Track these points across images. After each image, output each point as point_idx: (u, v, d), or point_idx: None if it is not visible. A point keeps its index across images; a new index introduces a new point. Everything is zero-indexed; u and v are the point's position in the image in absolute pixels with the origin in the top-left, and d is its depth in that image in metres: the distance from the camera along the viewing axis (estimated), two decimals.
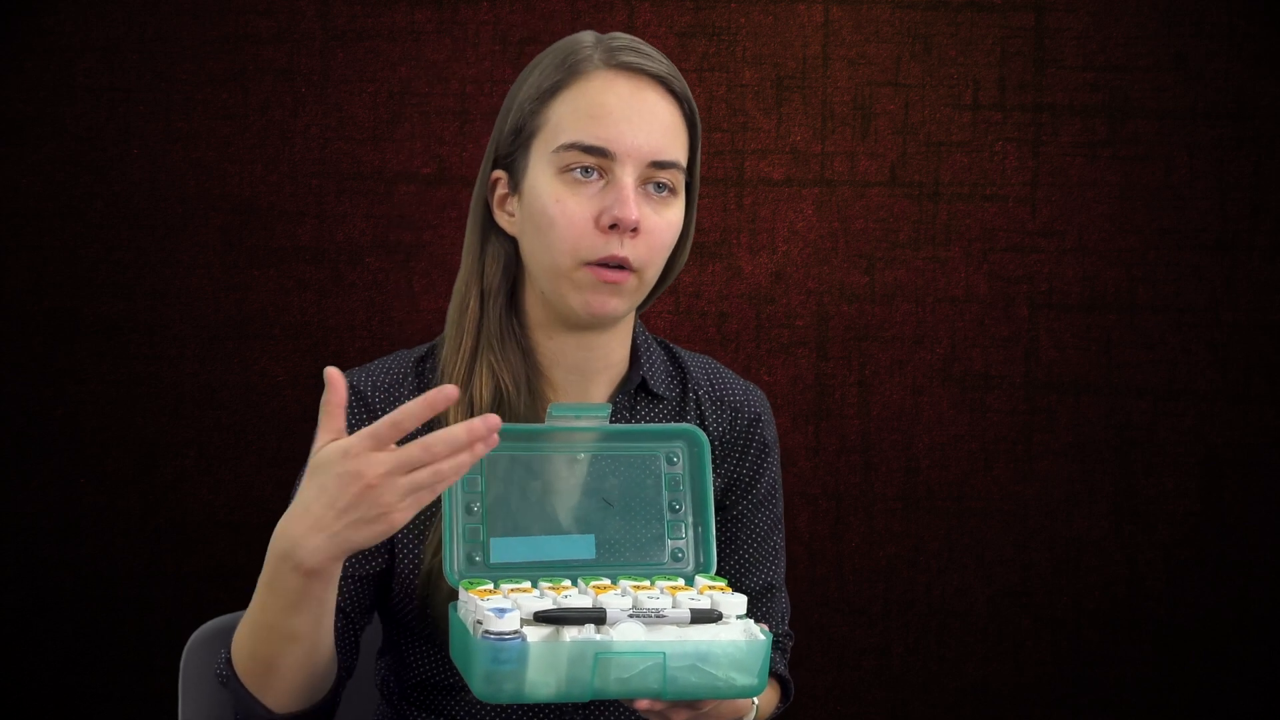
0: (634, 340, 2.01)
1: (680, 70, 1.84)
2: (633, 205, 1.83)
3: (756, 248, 3.00)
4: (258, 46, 2.95)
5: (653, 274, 1.90)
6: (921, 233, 3.00)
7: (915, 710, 3.06)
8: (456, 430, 1.55)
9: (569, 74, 1.87)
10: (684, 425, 1.83)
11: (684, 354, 2.07)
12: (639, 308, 1.99)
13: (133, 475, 2.98)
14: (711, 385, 2.06)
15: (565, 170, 1.85)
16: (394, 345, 2.94)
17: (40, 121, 2.94)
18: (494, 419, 1.56)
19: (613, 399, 1.98)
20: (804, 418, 3.02)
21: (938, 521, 3.03)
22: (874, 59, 2.99)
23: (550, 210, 1.85)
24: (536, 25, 2.95)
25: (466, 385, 1.91)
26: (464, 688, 1.93)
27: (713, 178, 2.99)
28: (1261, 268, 2.99)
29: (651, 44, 1.94)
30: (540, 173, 1.87)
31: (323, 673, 1.79)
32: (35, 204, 2.94)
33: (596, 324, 1.91)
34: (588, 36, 1.92)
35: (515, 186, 1.91)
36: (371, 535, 1.59)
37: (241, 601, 2.25)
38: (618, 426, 1.84)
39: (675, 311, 2.99)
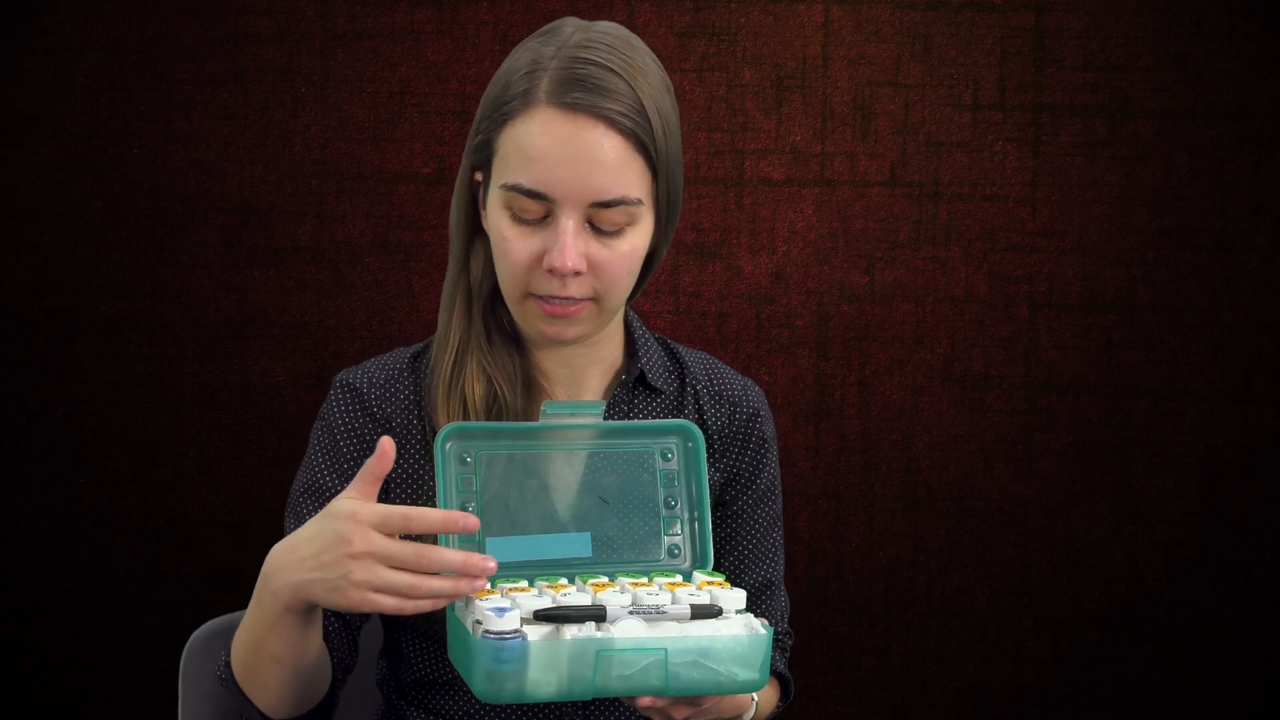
0: (631, 334, 2.01)
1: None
2: (569, 253, 1.79)
3: (756, 248, 3.00)
4: (258, 46, 2.95)
5: (615, 300, 1.87)
6: (921, 233, 3.01)
7: (915, 710, 3.06)
8: (454, 556, 1.56)
9: (520, 101, 1.82)
10: (679, 421, 1.82)
11: (681, 349, 2.07)
12: (628, 300, 1.98)
13: (133, 475, 2.98)
14: (710, 380, 2.05)
15: (510, 206, 1.83)
16: (394, 345, 2.93)
17: (40, 121, 2.94)
18: (494, 564, 1.57)
19: (610, 393, 1.98)
20: (804, 418, 3.02)
21: (938, 521, 3.03)
22: (874, 59, 3.00)
23: (500, 245, 1.84)
24: (536, 25, 2.92)
25: (457, 385, 1.91)
26: (461, 685, 1.93)
27: (713, 178, 2.99)
28: (1261, 268, 2.99)
29: (649, 43, 1.92)
30: (494, 201, 1.85)
31: (309, 687, 1.80)
32: (35, 204, 2.94)
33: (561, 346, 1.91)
34: (550, 45, 1.85)
35: (485, 198, 1.90)
36: (327, 600, 1.60)
37: (241, 601, 2.25)
38: (612, 424, 1.83)
39: (675, 311, 3.00)
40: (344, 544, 1.57)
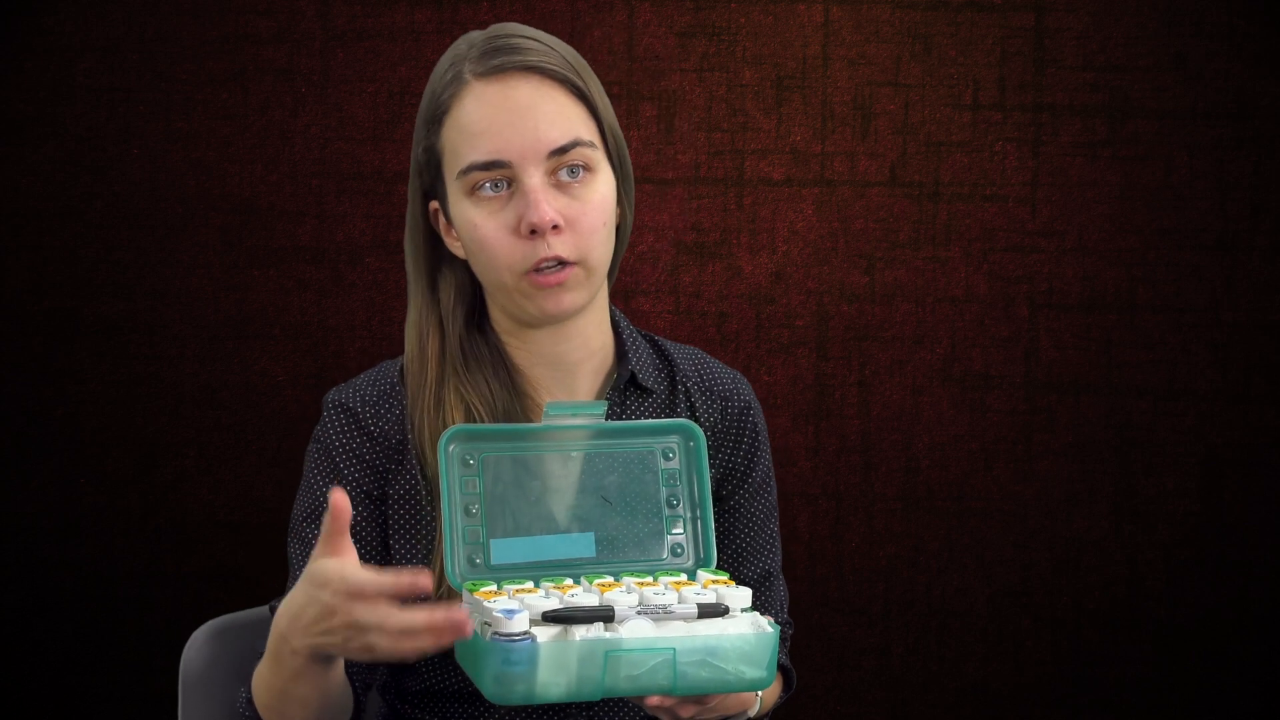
0: (620, 335, 2.02)
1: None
2: (543, 207, 1.82)
3: (756, 248, 3.00)
4: (258, 46, 2.95)
5: (598, 257, 1.89)
6: (921, 233, 3.01)
7: (915, 710, 3.06)
8: (418, 618, 1.53)
9: (448, 96, 1.88)
10: (679, 420, 1.83)
11: (669, 345, 2.08)
12: (609, 279, 2.00)
13: (133, 475, 2.98)
14: (700, 376, 2.06)
15: (474, 191, 1.86)
16: (394, 345, 2.93)
17: (40, 121, 2.94)
18: (460, 615, 1.53)
19: (602, 395, 1.99)
20: (804, 418, 3.02)
21: (938, 521, 3.03)
22: (874, 59, 3.00)
23: (475, 235, 1.86)
24: (536, 26, 2.94)
25: (439, 417, 1.91)
26: (469, 696, 1.93)
27: (712, 178, 2.99)
28: (1261, 268, 2.99)
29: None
30: (457, 199, 1.88)
31: (339, 713, 1.81)
32: (35, 204, 2.94)
33: (562, 320, 1.92)
34: (463, 44, 1.92)
35: (448, 215, 1.92)
36: (354, 655, 1.60)
37: (241, 601, 2.26)
38: (613, 424, 1.84)
39: (675, 311, 3.00)
40: (330, 615, 1.57)
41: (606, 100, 1.93)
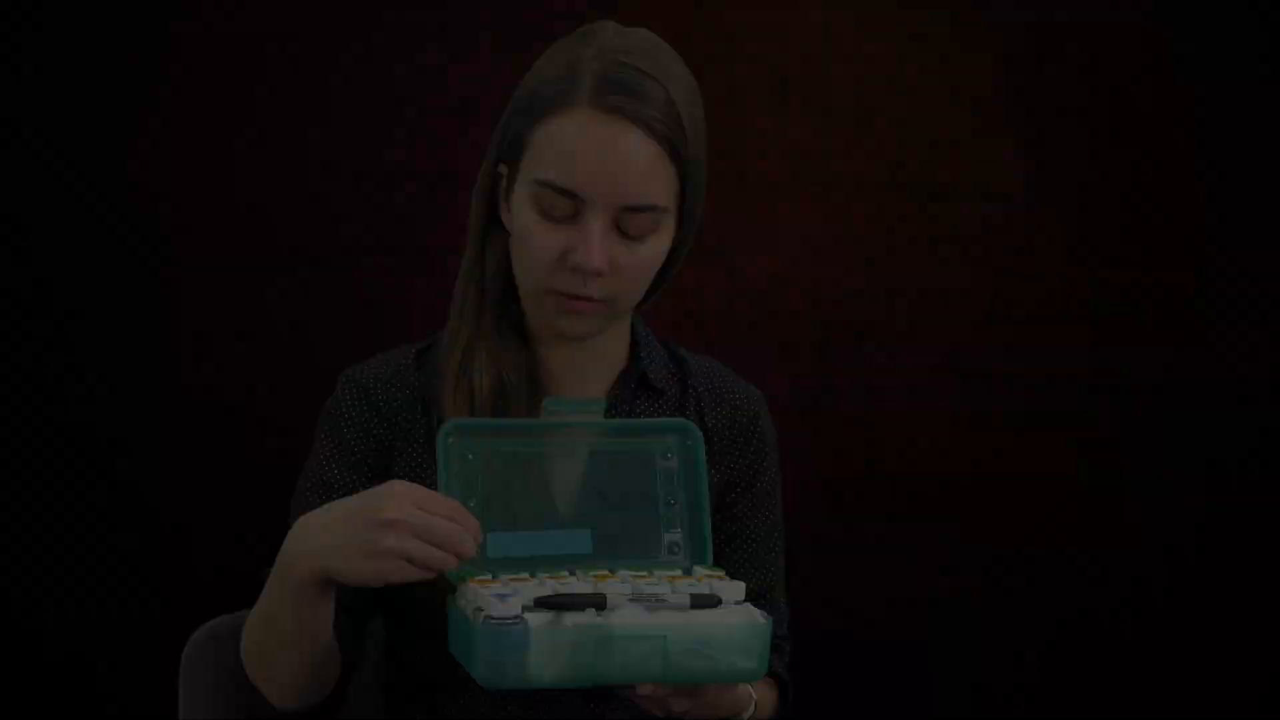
0: (635, 335, 2.02)
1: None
2: (596, 252, 1.80)
3: (756, 248, 3.01)
4: (258, 46, 2.96)
5: (629, 301, 1.89)
6: (921, 233, 3.01)
7: (915, 710, 3.06)
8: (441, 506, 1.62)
9: (558, 99, 1.83)
10: (678, 419, 1.83)
11: (685, 352, 2.08)
12: (637, 306, 1.99)
13: (133, 475, 2.98)
14: (711, 382, 2.06)
15: (540, 201, 1.84)
16: (394, 345, 2.94)
17: (42, 120, 2.94)
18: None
19: (612, 392, 1.98)
20: (804, 418, 3.02)
21: (938, 521, 3.03)
22: (874, 59, 3.00)
23: (524, 238, 1.85)
24: (536, 25, 2.95)
25: (465, 377, 1.91)
26: (462, 686, 1.93)
27: (713, 178, 2.98)
28: (1259, 267, 3.00)
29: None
30: (522, 194, 1.86)
31: (318, 675, 1.81)
32: (35, 204, 2.94)
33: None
34: (591, 46, 1.86)
35: (508, 192, 1.91)
36: (353, 570, 1.61)
37: (241, 601, 2.25)
38: (612, 421, 1.84)
39: (675, 311, 3.00)
40: (374, 511, 1.59)
41: (702, 152, 1.89)
